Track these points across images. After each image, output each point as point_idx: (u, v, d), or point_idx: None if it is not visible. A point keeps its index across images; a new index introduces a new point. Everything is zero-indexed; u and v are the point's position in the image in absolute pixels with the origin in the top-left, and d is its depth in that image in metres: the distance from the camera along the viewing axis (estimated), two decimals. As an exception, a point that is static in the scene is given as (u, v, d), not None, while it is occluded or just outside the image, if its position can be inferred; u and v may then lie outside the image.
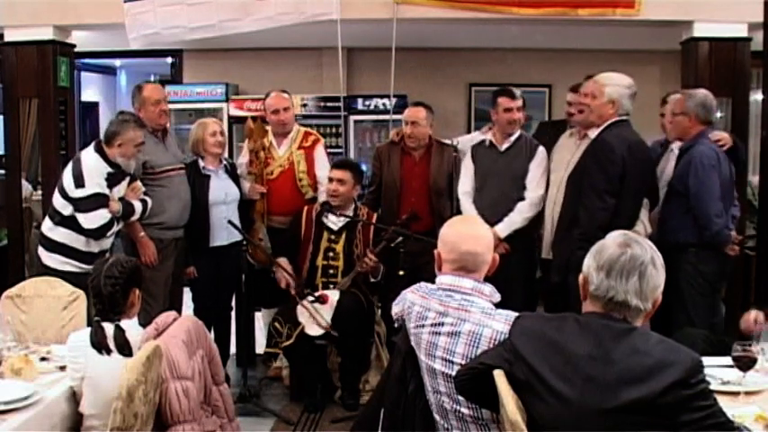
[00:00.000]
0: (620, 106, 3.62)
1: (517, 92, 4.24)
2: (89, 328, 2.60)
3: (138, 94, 4.24)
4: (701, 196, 3.63)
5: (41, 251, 3.89)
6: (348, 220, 4.22)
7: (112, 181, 3.84)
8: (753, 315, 2.99)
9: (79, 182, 3.75)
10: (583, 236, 3.50)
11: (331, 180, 4.23)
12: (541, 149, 4.20)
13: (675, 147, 3.98)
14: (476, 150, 4.30)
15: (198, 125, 4.48)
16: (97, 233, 3.80)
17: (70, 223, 3.79)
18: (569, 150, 4.06)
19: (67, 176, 3.80)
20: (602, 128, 3.64)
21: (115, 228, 3.86)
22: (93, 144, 3.93)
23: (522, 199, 4.14)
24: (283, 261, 4.26)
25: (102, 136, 3.97)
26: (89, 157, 3.84)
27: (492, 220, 3.86)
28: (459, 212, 4.18)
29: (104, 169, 3.81)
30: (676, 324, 3.53)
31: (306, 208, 4.35)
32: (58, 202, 3.83)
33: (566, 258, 3.57)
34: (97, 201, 3.75)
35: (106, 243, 3.93)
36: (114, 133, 3.83)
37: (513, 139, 4.21)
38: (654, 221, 3.86)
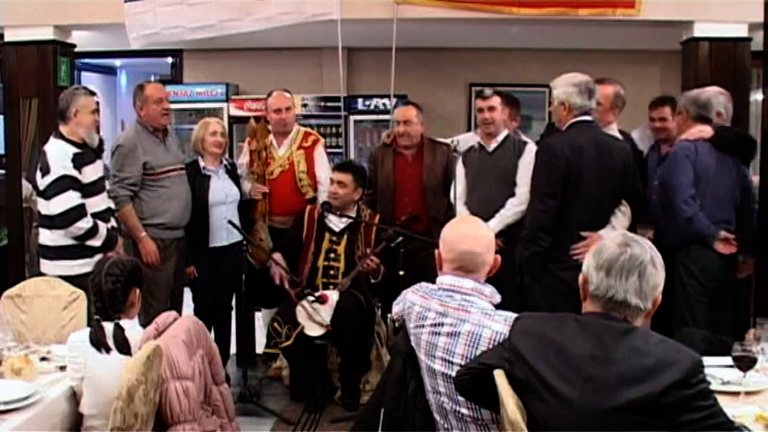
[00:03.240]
0: (573, 105, 3.50)
1: (488, 91, 4.25)
2: (89, 328, 2.60)
3: (140, 92, 4.22)
4: (670, 183, 3.62)
5: (42, 263, 3.78)
6: (350, 221, 4.22)
7: (81, 161, 3.69)
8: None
9: (46, 170, 3.65)
10: (525, 237, 3.56)
11: (332, 181, 4.24)
12: (530, 147, 4.20)
13: None
14: (466, 155, 4.31)
15: (200, 124, 4.51)
16: (64, 219, 3.62)
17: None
18: None
19: (37, 173, 3.73)
20: (563, 129, 3.58)
21: (86, 221, 3.66)
22: (52, 135, 3.82)
23: (513, 196, 4.16)
24: (277, 256, 4.27)
25: (58, 122, 3.84)
26: (51, 145, 3.73)
27: (483, 218, 3.87)
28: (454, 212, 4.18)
29: (69, 151, 3.67)
30: (674, 324, 3.52)
31: (308, 208, 4.35)
32: (39, 204, 3.77)
33: (518, 260, 3.62)
34: (63, 183, 3.61)
35: (101, 233, 3.74)
36: (66, 105, 3.74)
37: (500, 139, 4.24)
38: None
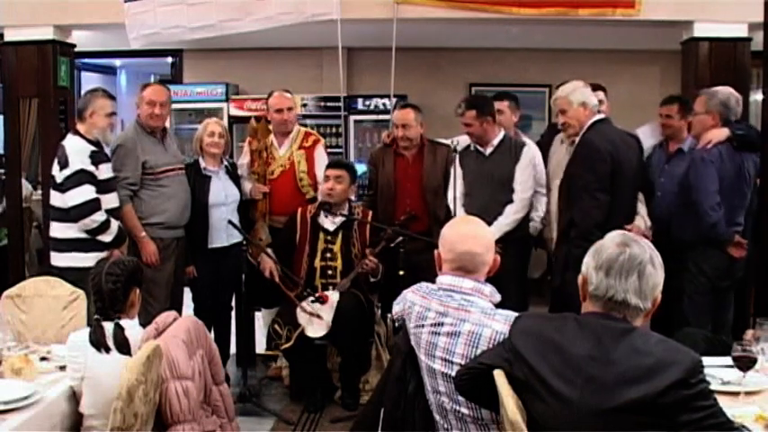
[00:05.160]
0: (591, 103, 3.72)
1: (460, 107, 4.27)
2: (89, 328, 2.60)
3: (140, 92, 4.26)
4: (697, 188, 3.70)
5: (53, 256, 3.87)
6: (344, 219, 4.21)
7: (97, 159, 3.83)
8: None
9: (65, 163, 3.76)
10: (580, 235, 3.56)
11: (327, 178, 4.22)
12: (526, 150, 4.21)
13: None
14: (462, 156, 4.30)
15: (202, 124, 4.51)
16: (80, 211, 3.73)
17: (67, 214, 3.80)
18: (564, 156, 4.08)
19: (54, 166, 3.84)
20: (584, 130, 3.71)
21: (100, 214, 3.78)
22: (69, 132, 3.98)
23: (511, 201, 4.15)
24: (268, 250, 4.28)
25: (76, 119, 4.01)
26: (70, 140, 3.87)
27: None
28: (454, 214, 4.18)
29: (87, 148, 3.81)
30: (678, 322, 3.53)
31: (300, 210, 4.33)
32: (53, 197, 3.86)
33: (563, 259, 3.61)
34: (81, 177, 3.74)
35: (112, 229, 3.84)
36: (84, 105, 3.88)
37: (495, 143, 4.23)
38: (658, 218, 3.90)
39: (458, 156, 4.28)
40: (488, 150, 4.25)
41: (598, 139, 3.64)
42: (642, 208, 3.83)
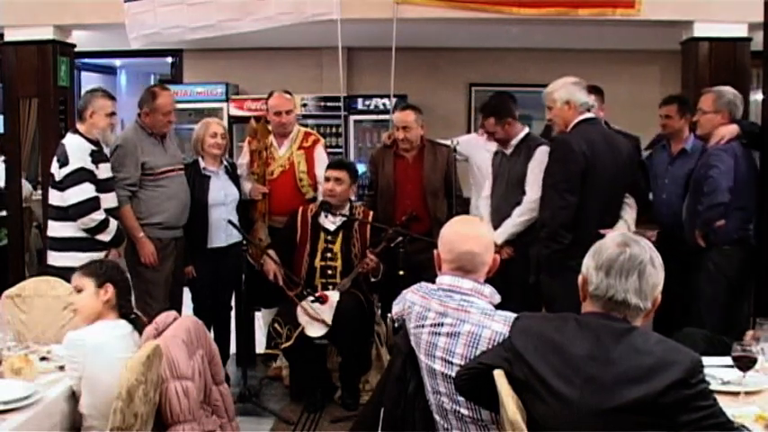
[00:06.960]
0: (577, 102, 3.60)
1: (482, 112, 4.21)
2: (87, 328, 2.60)
3: (152, 100, 4.16)
4: (715, 165, 3.65)
5: (51, 255, 3.87)
6: (345, 219, 4.21)
7: (97, 158, 3.83)
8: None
9: (64, 161, 3.75)
10: (547, 236, 3.54)
11: (328, 180, 4.21)
12: (541, 149, 4.00)
13: None
14: (494, 156, 4.23)
15: (201, 124, 4.50)
16: (79, 209, 3.73)
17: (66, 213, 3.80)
18: None
19: (54, 165, 3.84)
20: (569, 129, 3.63)
21: (99, 213, 3.77)
22: (69, 131, 3.99)
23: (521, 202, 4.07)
24: (271, 252, 4.26)
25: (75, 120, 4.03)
26: (70, 139, 3.87)
27: (495, 225, 3.87)
28: (457, 213, 4.15)
29: (88, 147, 3.81)
30: (692, 323, 3.52)
31: (301, 209, 4.33)
32: (52, 196, 3.86)
33: (536, 260, 3.60)
34: (81, 175, 3.73)
35: (111, 228, 3.84)
36: (84, 105, 3.88)
37: (515, 142, 4.09)
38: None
39: (492, 156, 4.24)
40: (509, 151, 4.12)
41: (574, 139, 3.54)
42: (630, 212, 3.72)
